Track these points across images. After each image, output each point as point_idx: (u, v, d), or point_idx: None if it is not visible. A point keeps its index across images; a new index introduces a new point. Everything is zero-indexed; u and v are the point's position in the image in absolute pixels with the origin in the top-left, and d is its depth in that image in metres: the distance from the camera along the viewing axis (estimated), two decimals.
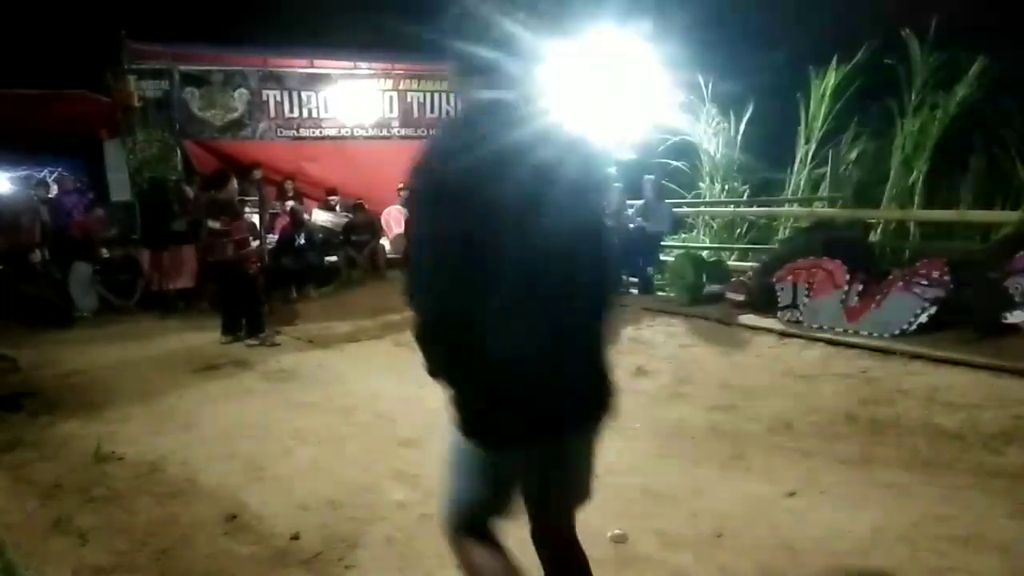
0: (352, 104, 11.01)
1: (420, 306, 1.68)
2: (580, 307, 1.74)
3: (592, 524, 3.17)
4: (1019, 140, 7.71)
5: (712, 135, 10.50)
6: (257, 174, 10.43)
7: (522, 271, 1.61)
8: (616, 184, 9.18)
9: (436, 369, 1.78)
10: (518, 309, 1.63)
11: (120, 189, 10.34)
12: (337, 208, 10.81)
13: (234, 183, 7.53)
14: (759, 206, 10.21)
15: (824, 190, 9.08)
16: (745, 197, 10.46)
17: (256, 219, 9.87)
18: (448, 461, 1.91)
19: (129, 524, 3.34)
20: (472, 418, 1.76)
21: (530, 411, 1.72)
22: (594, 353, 1.82)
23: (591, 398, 1.83)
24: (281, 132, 10.71)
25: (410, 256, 1.69)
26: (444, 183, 1.59)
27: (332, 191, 10.81)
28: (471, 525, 1.91)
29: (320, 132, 10.91)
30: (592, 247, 1.76)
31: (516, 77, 1.78)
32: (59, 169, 12.77)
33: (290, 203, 10.36)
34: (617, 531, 3.07)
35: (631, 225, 8.58)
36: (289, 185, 10.62)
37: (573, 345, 1.75)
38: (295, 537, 3.17)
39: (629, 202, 9.00)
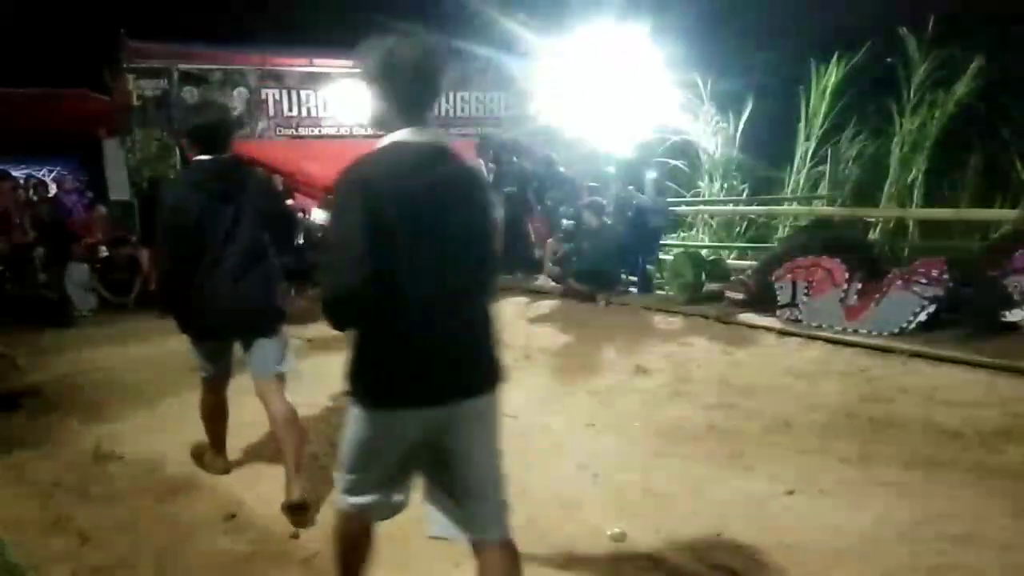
0: (351, 103, 11.00)
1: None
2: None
3: (591, 522, 3.18)
4: (1017, 138, 7.72)
5: (711, 134, 10.50)
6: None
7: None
8: (616, 183, 9.19)
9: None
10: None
11: (119, 188, 10.35)
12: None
13: None
14: (758, 205, 10.21)
15: (823, 189, 9.08)
16: (744, 196, 10.46)
17: None
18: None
19: (129, 523, 3.33)
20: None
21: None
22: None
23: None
24: (280, 131, 10.71)
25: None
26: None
27: (332, 190, 10.80)
28: None
29: (319, 131, 10.91)
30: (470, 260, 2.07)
31: None
32: (58, 168, 12.78)
33: (288, 201, 10.35)
34: (616, 529, 3.07)
35: (634, 202, 8.53)
36: (278, 179, 10.61)
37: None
38: (294, 536, 3.17)
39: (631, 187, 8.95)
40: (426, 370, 1.96)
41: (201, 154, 3.24)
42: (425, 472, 2.17)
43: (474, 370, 2.05)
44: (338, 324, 1.94)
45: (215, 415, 3.81)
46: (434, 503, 2.19)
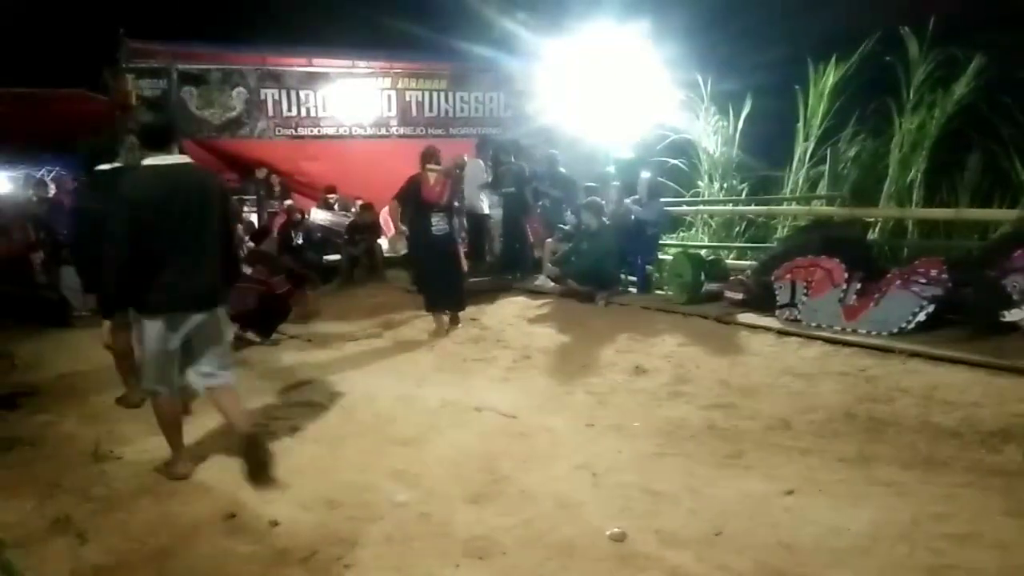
0: (350, 103, 11.02)
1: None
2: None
3: (591, 522, 3.18)
4: (1017, 138, 7.71)
5: (711, 133, 10.49)
6: (262, 172, 10.43)
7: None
8: (614, 183, 9.19)
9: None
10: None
11: None
12: (336, 207, 10.80)
13: (273, 235, 7.68)
14: (758, 204, 10.21)
15: (822, 188, 9.07)
16: (744, 195, 10.46)
17: (255, 218, 9.87)
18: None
19: (128, 523, 3.33)
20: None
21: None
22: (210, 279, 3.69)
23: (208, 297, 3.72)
24: (279, 131, 10.71)
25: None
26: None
27: (331, 189, 10.80)
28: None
29: (319, 131, 10.92)
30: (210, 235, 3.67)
31: None
32: (57, 168, 12.76)
33: (287, 201, 10.37)
34: (616, 529, 3.07)
35: (632, 216, 8.56)
36: (275, 179, 10.62)
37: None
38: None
39: (628, 199, 8.99)
40: (181, 294, 3.58)
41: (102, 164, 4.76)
42: (184, 357, 3.73)
43: (206, 295, 3.66)
44: (111, 270, 3.54)
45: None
46: (189, 375, 3.78)
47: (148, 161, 3.60)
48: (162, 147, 3.65)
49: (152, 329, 3.62)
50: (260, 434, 3.90)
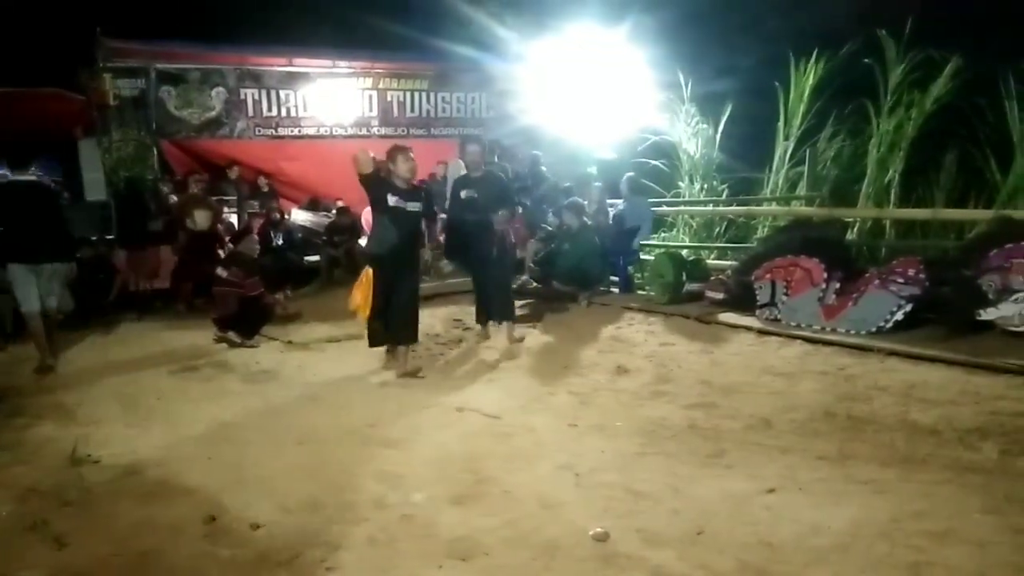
0: (331, 103, 10.95)
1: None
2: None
3: (574, 522, 3.18)
4: (992, 138, 7.82)
5: (691, 134, 10.56)
6: (233, 172, 10.34)
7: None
8: (596, 184, 9.22)
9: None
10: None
11: (95, 189, 10.22)
12: (317, 208, 10.75)
13: (254, 239, 7.60)
14: (738, 205, 10.29)
15: (802, 189, 9.15)
16: (724, 196, 10.53)
17: (235, 219, 9.77)
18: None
19: (107, 527, 3.29)
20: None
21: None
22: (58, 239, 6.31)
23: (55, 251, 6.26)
24: (259, 131, 10.62)
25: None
26: None
27: (314, 203, 10.79)
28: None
29: (299, 131, 10.84)
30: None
31: None
32: (32, 169, 12.56)
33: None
34: (598, 529, 3.07)
35: (609, 222, 8.61)
36: (262, 181, 10.53)
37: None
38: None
39: (609, 201, 9.03)
40: (34, 252, 6.01)
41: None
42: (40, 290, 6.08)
43: (53, 252, 6.12)
44: None
45: None
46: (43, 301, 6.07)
47: (14, 177, 6.35)
48: (23, 168, 6.40)
49: (19, 270, 5.96)
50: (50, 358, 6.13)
